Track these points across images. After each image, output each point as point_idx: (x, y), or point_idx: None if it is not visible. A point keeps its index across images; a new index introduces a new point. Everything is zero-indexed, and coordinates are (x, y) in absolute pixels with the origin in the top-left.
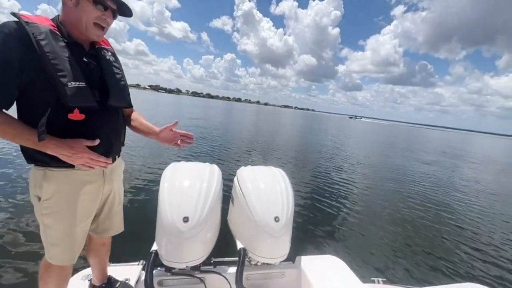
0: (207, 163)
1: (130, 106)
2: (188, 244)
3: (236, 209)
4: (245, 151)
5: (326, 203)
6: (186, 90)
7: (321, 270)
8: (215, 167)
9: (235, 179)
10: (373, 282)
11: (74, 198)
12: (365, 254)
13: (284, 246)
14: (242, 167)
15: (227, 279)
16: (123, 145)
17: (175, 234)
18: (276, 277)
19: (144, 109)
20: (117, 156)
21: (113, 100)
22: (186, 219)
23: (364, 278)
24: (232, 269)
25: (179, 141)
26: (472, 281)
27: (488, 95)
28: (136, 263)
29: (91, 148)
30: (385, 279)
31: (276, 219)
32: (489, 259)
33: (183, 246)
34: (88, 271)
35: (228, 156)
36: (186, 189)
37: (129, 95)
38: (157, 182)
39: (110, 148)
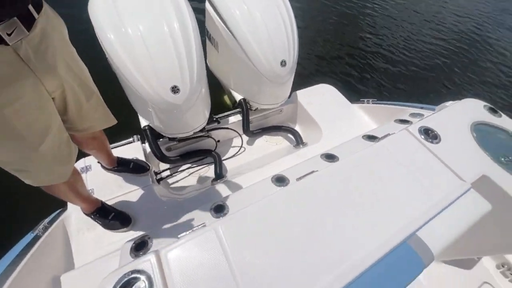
0: None
1: None
2: (189, 114)
3: (223, 54)
4: None
5: (327, 27)
6: None
7: (315, 99)
8: None
9: (206, 4)
10: (362, 102)
11: None
12: (358, 80)
13: (287, 89)
14: None
15: (233, 129)
16: None
17: (170, 110)
18: (275, 114)
19: None
20: (37, 10)
21: None
22: (175, 89)
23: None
24: (234, 119)
25: None
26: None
27: None
28: (131, 139)
29: None
30: (374, 99)
31: (283, 63)
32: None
33: (183, 118)
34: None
35: None
36: (153, 45)
37: None
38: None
39: None
